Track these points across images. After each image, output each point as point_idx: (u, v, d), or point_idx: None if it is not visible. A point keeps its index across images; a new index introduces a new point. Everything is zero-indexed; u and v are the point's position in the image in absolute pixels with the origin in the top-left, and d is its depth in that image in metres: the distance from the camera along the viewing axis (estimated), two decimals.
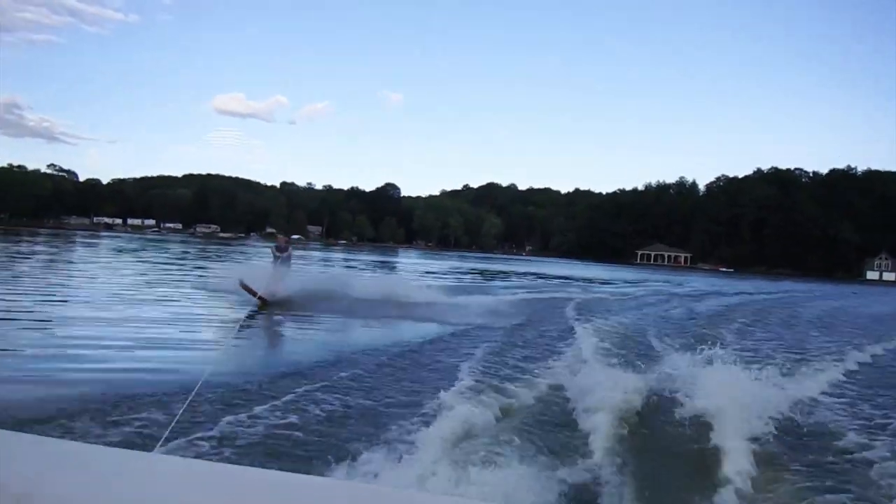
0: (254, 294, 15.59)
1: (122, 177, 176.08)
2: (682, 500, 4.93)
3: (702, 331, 14.96)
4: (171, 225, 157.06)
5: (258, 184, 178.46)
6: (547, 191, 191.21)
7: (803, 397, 8.04)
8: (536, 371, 9.00)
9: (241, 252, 54.22)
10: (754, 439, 5.90)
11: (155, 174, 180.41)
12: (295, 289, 17.17)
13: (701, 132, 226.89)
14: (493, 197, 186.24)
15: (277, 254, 18.28)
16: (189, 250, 55.08)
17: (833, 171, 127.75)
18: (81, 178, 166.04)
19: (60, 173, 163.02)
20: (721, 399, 6.43)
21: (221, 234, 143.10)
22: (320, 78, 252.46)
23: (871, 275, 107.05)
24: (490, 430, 6.13)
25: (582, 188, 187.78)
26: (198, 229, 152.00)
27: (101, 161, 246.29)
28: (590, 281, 42.25)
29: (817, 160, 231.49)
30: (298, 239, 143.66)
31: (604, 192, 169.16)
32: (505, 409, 6.91)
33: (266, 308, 15.66)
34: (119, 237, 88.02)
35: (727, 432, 5.84)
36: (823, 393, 8.68)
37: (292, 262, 18.90)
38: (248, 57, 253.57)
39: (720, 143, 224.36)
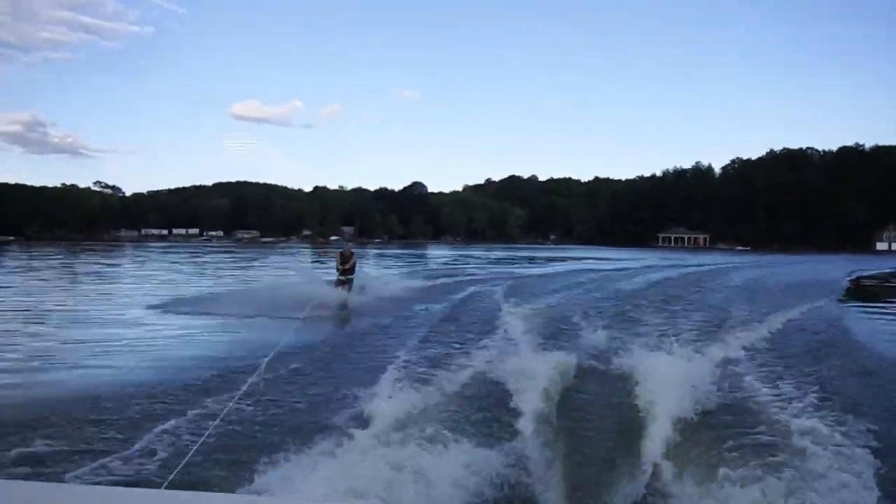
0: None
1: (153, 188, 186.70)
2: (608, 474, 5.02)
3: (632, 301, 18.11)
4: (213, 233, 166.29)
5: (285, 188, 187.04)
6: (567, 180, 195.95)
7: (721, 364, 8.52)
8: None
9: (292, 254, 63.38)
10: (678, 413, 5.99)
11: (188, 184, 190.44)
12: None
13: (714, 116, 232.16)
14: (515, 189, 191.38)
15: (341, 265, 15.80)
16: (261, 256, 62.74)
17: (843, 149, 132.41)
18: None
19: (106, 189, 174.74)
20: (648, 372, 6.63)
21: (263, 239, 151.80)
22: (332, 80, 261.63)
23: (881, 246, 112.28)
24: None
25: (601, 176, 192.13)
26: (240, 235, 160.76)
27: (130, 173, 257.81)
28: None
29: (828, 138, 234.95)
30: (337, 240, 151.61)
31: (623, 179, 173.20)
32: None
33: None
34: (195, 248, 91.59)
35: (652, 407, 5.94)
36: (741, 359, 9.12)
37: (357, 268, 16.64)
38: (261, 63, 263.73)
39: (733, 126, 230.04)
